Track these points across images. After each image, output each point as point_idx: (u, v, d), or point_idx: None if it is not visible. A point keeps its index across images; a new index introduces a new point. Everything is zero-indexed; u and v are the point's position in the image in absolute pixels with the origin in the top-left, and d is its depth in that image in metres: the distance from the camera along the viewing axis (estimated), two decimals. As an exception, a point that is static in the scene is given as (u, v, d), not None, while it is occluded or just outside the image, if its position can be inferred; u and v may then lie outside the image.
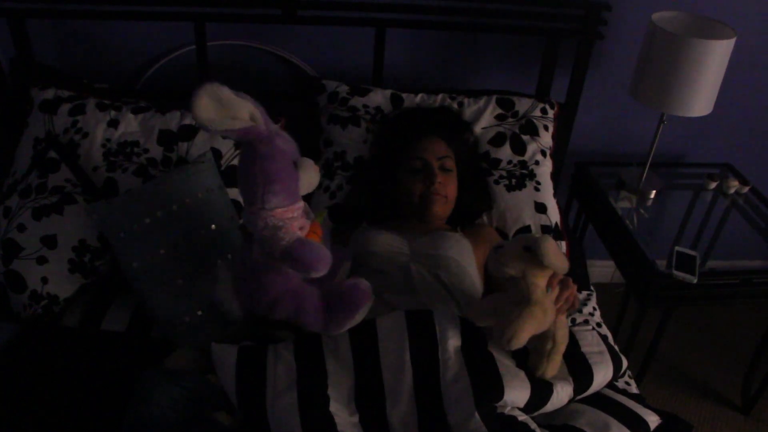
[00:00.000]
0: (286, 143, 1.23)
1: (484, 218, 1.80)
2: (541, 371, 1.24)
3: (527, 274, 1.19)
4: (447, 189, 1.65)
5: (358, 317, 1.24)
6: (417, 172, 1.65)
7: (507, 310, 1.19)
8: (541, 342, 1.23)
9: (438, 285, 1.45)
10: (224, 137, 1.22)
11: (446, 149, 1.69)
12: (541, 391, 1.23)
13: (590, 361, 1.31)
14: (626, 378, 1.55)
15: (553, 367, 1.25)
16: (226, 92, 1.14)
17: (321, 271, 1.17)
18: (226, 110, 1.14)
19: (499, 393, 1.17)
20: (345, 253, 1.43)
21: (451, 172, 1.67)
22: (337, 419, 1.15)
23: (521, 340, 1.15)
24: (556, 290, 1.24)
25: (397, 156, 1.71)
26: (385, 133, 1.82)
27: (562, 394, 1.26)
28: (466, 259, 1.54)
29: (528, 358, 1.27)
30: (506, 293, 1.25)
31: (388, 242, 1.54)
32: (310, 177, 1.28)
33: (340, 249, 1.41)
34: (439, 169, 1.64)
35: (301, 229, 1.25)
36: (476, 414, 1.13)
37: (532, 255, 1.18)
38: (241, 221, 1.50)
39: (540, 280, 1.20)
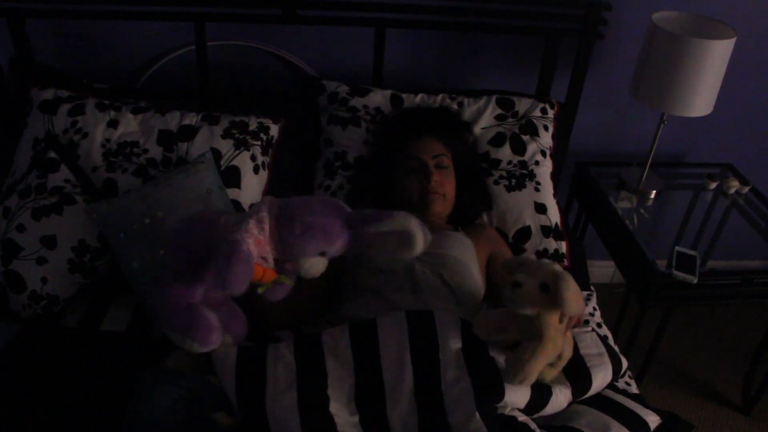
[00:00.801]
0: (341, 240, 1.23)
1: (485, 218, 1.80)
2: (542, 378, 1.24)
3: (542, 314, 1.17)
4: (445, 187, 1.65)
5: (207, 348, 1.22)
6: (413, 171, 1.65)
7: (521, 346, 1.18)
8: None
9: (441, 284, 1.45)
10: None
11: (441, 147, 1.69)
12: (541, 393, 1.23)
13: (589, 364, 1.31)
14: (626, 378, 1.55)
15: (555, 372, 1.25)
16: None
17: (225, 287, 1.12)
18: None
19: (500, 394, 1.17)
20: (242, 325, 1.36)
21: (447, 170, 1.67)
22: (337, 419, 1.15)
23: (532, 378, 1.16)
24: (566, 321, 1.23)
25: (394, 158, 1.71)
26: (381, 135, 1.82)
27: (560, 397, 1.25)
28: (469, 258, 1.54)
29: None
30: (512, 311, 1.22)
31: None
32: (315, 267, 1.25)
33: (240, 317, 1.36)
34: (435, 167, 1.64)
35: (264, 258, 1.22)
36: (477, 414, 1.13)
37: (550, 296, 1.16)
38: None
39: (553, 319, 1.18)
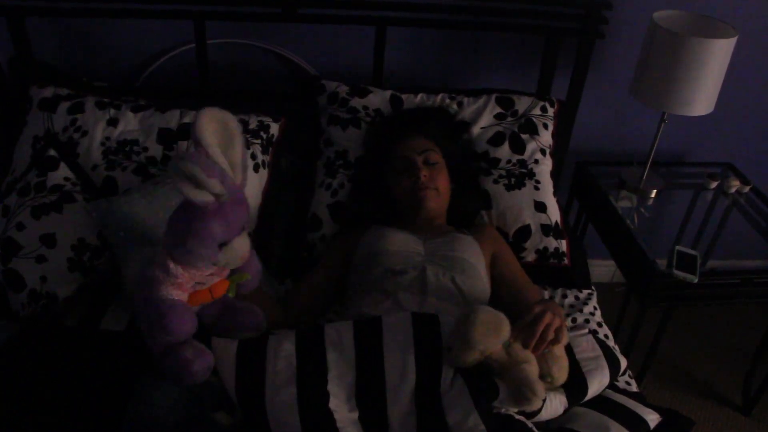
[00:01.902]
0: (237, 213, 1.17)
1: (485, 218, 1.80)
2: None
3: (486, 355, 1.19)
4: (436, 181, 1.64)
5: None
6: (403, 171, 1.65)
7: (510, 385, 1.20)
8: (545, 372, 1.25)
9: (453, 287, 1.45)
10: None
11: (428, 143, 1.68)
12: None
13: (584, 369, 1.30)
14: (626, 378, 1.55)
15: (560, 380, 1.27)
16: (233, 124, 1.15)
17: (177, 338, 1.17)
18: (225, 142, 1.13)
19: (495, 392, 1.17)
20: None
21: (437, 165, 1.67)
22: (336, 416, 1.15)
23: (540, 389, 1.18)
24: (520, 337, 1.22)
25: (383, 161, 1.71)
26: (370, 140, 1.83)
27: (555, 402, 1.25)
28: (478, 261, 1.54)
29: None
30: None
31: (404, 241, 1.53)
32: (234, 254, 1.20)
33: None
34: (423, 163, 1.64)
35: (210, 274, 1.22)
36: (475, 412, 1.13)
37: (464, 336, 1.18)
38: None
39: (494, 351, 1.19)
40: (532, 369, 1.20)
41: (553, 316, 1.23)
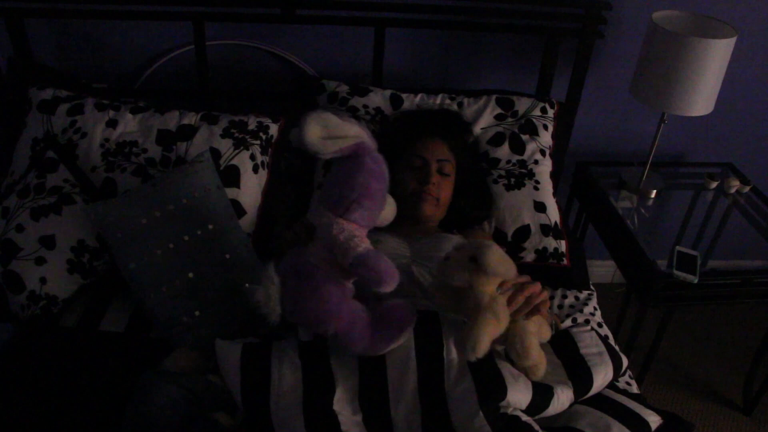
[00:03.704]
0: (385, 170, 1.27)
1: (485, 227, 1.80)
2: (536, 373, 1.23)
3: (474, 284, 1.20)
4: (441, 192, 1.65)
5: (402, 339, 1.22)
6: (415, 170, 1.65)
7: (466, 323, 1.19)
8: (509, 346, 1.23)
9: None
10: (333, 157, 1.24)
11: (448, 153, 1.68)
12: (543, 394, 1.23)
13: (589, 363, 1.30)
14: (627, 378, 1.55)
15: (535, 371, 1.23)
16: (332, 118, 1.19)
17: (390, 287, 1.14)
18: (333, 134, 1.19)
19: (503, 393, 1.16)
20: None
21: (448, 177, 1.67)
22: (340, 418, 1.15)
23: (483, 347, 1.15)
24: (508, 293, 1.24)
25: (398, 153, 1.70)
26: (389, 130, 1.81)
27: (562, 397, 1.25)
28: None
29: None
30: (443, 285, 1.26)
31: (390, 245, 1.53)
32: (389, 212, 1.33)
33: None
34: (437, 171, 1.64)
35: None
36: (480, 413, 1.12)
37: (478, 265, 1.19)
38: (290, 226, 1.47)
39: (487, 288, 1.20)
40: (497, 324, 1.19)
41: (544, 290, 1.28)
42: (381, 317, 1.22)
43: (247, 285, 1.23)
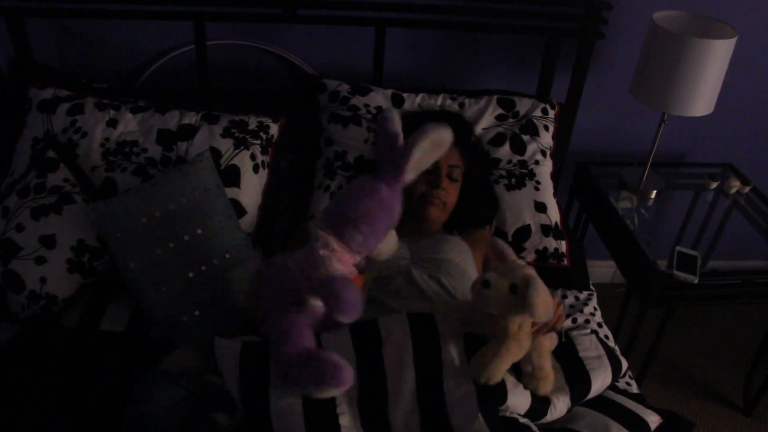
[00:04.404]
0: (397, 206, 1.24)
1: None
2: (533, 388, 1.23)
3: (508, 315, 1.17)
4: (448, 197, 1.64)
5: (319, 392, 1.15)
6: (425, 173, 1.63)
7: (486, 345, 1.18)
8: (523, 365, 1.23)
9: (440, 289, 1.45)
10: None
11: (458, 159, 1.67)
12: (541, 402, 1.23)
13: (588, 367, 1.30)
14: (627, 378, 1.55)
15: (545, 384, 1.23)
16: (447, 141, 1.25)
17: (348, 320, 1.13)
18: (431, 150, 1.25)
19: (503, 396, 1.16)
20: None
21: (456, 183, 1.66)
22: (341, 420, 1.15)
23: (497, 378, 1.15)
24: (535, 326, 1.22)
25: None
26: (402, 128, 1.80)
27: (559, 405, 1.25)
28: (466, 262, 1.53)
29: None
30: (478, 309, 1.22)
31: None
32: (386, 247, 1.30)
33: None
34: (447, 176, 1.63)
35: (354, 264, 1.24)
36: (479, 416, 1.12)
37: (518, 298, 1.15)
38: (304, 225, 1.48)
39: (520, 321, 1.17)
40: (518, 352, 1.18)
41: (559, 303, 1.26)
42: (313, 360, 1.16)
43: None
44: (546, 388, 1.23)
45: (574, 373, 1.29)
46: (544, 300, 1.14)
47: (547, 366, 1.23)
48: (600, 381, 1.30)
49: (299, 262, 1.22)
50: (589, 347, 1.35)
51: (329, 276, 1.15)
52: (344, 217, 1.20)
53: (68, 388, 1.35)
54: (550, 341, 1.27)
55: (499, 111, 1.89)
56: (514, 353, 1.16)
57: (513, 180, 1.82)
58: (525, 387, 1.22)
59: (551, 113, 1.93)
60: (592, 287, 1.84)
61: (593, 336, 1.39)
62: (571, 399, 1.27)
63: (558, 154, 1.98)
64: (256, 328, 1.40)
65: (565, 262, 1.79)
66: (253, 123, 1.77)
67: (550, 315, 1.16)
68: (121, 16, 1.85)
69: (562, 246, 1.79)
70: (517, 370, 1.24)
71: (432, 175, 1.62)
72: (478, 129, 1.87)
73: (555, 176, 1.92)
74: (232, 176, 1.68)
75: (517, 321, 1.17)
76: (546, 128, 1.90)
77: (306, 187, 1.85)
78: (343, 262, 1.19)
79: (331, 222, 1.21)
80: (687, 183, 2.28)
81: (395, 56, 2.04)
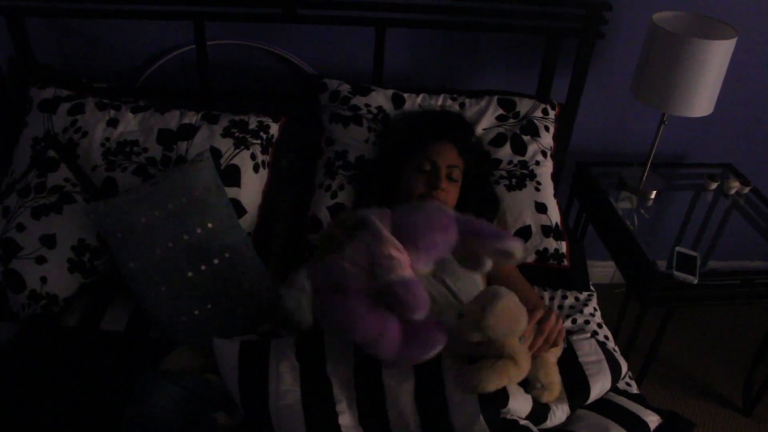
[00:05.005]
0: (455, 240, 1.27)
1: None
2: (538, 398, 1.23)
3: (491, 338, 1.16)
4: (448, 198, 1.64)
5: (430, 355, 1.17)
6: (424, 173, 1.64)
7: (480, 362, 1.17)
8: (530, 385, 1.22)
9: (444, 290, 1.45)
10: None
11: (457, 159, 1.66)
12: (542, 406, 1.23)
13: (587, 372, 1.30)
14: (627, 379, 1.55)
15: (551, 393, 1.23)
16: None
17: (420, 316, 1.13)
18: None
19: (504, 399, 1.16)
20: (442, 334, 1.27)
21: (455, 183, 1.66)
22: (341, 420, 1.15)
23: (485, 389, 1.14)
24: (530, 338, 1.22)
25: (408, 154, 1.69)
26: (399, 130, 1.80)
27: (558, 413, 1.25)
28: None
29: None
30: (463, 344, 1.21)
31: None
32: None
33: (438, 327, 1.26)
34: (446, 176, 1.63)
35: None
36: (481, 418, 1.12)
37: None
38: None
39: (507, 341, 1.17)
40: (518, 373, 1.17)
41: (558, 318, 1.25)
42: (412, 331, 1.18)
43: (281, 291, 1.21)
44: (553, 395, 1.23)
45: (573, 379, 1.29)
46: (497, 318, 1.15)
47: (555, 380, 1.23)
48: (599, 386, 1.30)
49: (358, 262, 1.19)
50: (588, 352, 1.35)
51: (401, 277, 1.15)
52: (413, 235, 1.22)
53: (68, 388, 1.35)
54: (554, 356, 1.26)
55: (500, 111, 1.89)
56: (511, 374, 1.16)
57: (513, 180, 1.82)
58: (531, 394, 1.22)
59: (552, 114, 1.93)
60: (592, 288, 1.84)
61: (593, 340, 1.39)
62: (570, 406, 1.27)
63: (558, 154, 1.98)
64: (255, 327, 1.40)
65: (566, 262, 1.79)
66: (253, 123, 1.77)
67: (517, 326, 1.17)
68: (122, 15, 1.85)
69: (563, 247, 1.80)
70: (523, 382, 1.23)
71: (431, 175, 1.62)
72: (479, 129, 1.87)
73: (555, 176, 1.92)
74: (232, 176, 1.68)
75: (506, 342, 1.16)
76: (546, 129, 1.90)
77: (307, 186, 1.85)
78: (407, 264, 1.19)
79: (406, 239, 1.21)
80: (687, 183, 2.28)
81: (395, 56, 2.04)
